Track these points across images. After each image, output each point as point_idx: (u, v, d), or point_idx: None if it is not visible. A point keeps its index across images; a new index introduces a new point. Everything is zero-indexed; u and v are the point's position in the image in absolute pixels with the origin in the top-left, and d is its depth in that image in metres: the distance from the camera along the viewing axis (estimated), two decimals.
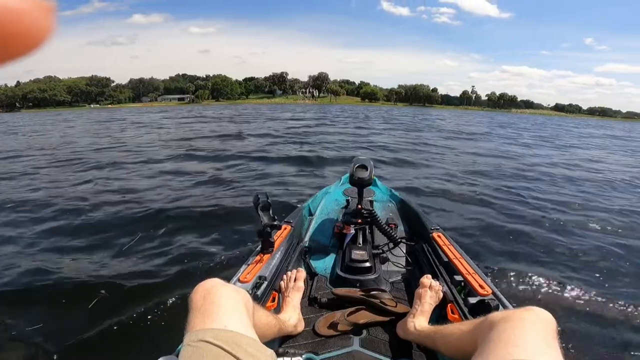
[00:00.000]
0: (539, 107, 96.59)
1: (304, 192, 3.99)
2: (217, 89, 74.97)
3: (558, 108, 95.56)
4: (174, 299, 1.83)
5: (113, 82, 72.71)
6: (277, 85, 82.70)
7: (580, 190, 4.78)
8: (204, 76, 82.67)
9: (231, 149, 7.43)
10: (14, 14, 0.14)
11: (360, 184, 1.52)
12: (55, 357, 1.49)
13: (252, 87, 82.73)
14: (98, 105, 64.25)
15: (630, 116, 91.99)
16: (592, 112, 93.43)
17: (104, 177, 4.91)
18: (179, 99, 72.27)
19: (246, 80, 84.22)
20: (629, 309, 1.90)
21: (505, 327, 0.58)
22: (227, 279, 1.06)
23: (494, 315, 0.63)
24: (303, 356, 0.92)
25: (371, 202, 1.84)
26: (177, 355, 0.75)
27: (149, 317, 1.71)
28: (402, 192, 2.34)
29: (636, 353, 1.60)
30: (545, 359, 0.51)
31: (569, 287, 2.10)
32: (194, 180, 4.67)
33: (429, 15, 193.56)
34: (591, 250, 2.75)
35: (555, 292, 2.06)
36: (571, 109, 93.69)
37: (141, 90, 74.56)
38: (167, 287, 1.97)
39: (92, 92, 67.60)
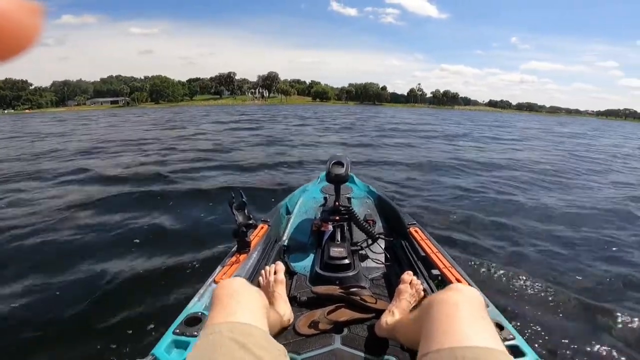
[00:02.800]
0: (475, 103, 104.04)
1: None
2: (157, 90, 69.26)
3: (492, 104, 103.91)
4: (146, 302, 1.82)
5: (31, 85, 63.95)
6: (225, 86, 78.90)
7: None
8: (142, 77, 76.21)
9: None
10: (2, 15, 0.13)
11: (336, 181, 1.50)
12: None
13: (197, 88, 77.94)
14: (13, 111, 56.10)
15: (554, 111, 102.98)
16: (520, 107, 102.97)
17: None
18: (112, 102, 65.72)
19: (190, 81, 79.20)
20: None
21: (436, 312, 0.58)
22: (202, 280, 1.11)
23: (426, 300, 0.63)
24: None
25: (349, 199, 1.83)
26: (152, 359, 0.76)
27: (122, 320, 1.69)
28: (380, 188, 2.30)
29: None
30: (473, 340, 0.51)
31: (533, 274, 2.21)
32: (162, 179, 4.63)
33: (376, 16, 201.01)
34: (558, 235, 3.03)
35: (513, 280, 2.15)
36: (503, 105, 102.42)
37: (66, 94, 66.41)
38: (139, 290, 1.95)
39: (7, 96, 58.81)
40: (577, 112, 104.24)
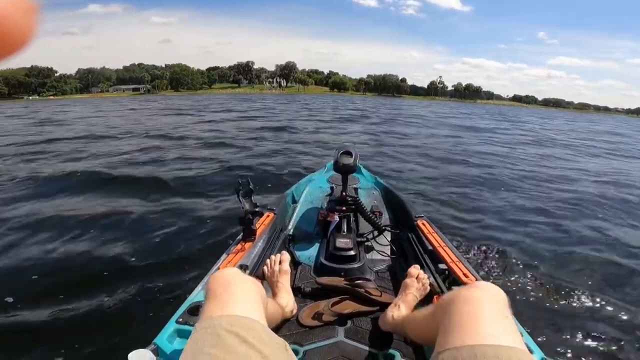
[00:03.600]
0: (498, 97, 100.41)
1: None
2: (177, 78, 70.13)
3: (516, 99, 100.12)
4: (149, 290, 1.78)
5: (56, 72, 65.90)
6: (243, 75, 79.04)
7: None
8: (163, 66, 77.22)
9: None
10: None
11: (344, 171, 1.48)
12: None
13: (216, 77, 78.43)
14: (37, 97, 57.96)
15: (582, 107, 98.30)
16: (546, 103, 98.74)
17: None
18: (134, 90, 67.08)
19: (209, 69, 79.75)
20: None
21: (457, 309, 0.56)
22: (207, 268, 1.10)
23: (447, 297, 0.62)
24: None
25: (356, 189, 1.80)
26: (154, 348, 0.75)
27: (124, 309, 1.65)
28: (387, 180, 2.26)
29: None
30: (495, 339, 0.50)
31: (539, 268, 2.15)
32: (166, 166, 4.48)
33: (397, 7, 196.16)
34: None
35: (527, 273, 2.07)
36: (528, 100, 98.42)
37: (90, 81, 68.10)
38: (141, 279, 1.87)
39: (32, 83, 60.85)
40: (606, 109, 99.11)
